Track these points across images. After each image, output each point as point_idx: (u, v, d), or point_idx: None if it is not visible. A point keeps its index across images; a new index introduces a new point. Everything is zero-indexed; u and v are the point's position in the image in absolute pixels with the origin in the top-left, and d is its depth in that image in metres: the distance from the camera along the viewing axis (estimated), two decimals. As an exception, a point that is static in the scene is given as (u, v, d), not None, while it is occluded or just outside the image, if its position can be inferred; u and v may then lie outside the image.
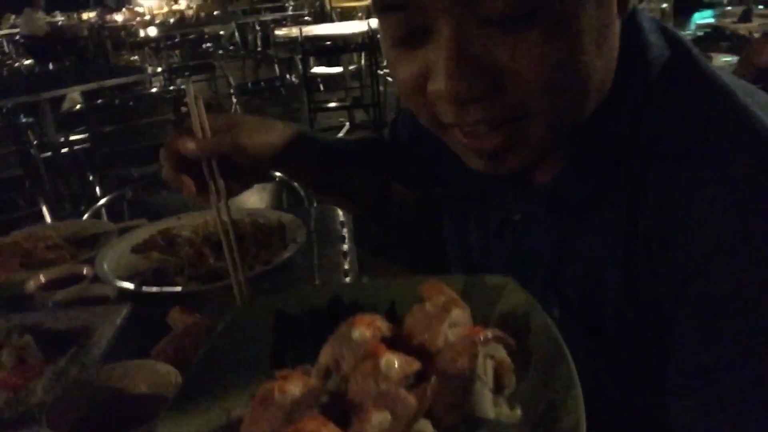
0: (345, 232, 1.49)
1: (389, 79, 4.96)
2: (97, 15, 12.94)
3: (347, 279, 1.30)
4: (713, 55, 3.23)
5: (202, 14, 11.99)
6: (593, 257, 0.60)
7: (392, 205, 1.00)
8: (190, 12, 12.59)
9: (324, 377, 0.46)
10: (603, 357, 0.60)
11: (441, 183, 0.84)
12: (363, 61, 6.16)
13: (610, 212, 0.58)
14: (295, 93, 6.75)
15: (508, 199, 0.71)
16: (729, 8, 4.97)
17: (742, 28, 3.90)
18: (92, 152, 3.70)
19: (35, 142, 3.94)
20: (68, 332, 0.98)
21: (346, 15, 9.64)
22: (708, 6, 5.03)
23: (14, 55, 10.34)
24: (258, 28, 9.96)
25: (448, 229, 0.86)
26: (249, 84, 7.31)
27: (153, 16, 12.69)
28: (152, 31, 10.15)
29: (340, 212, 1.59)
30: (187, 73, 6.34)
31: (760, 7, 4.51)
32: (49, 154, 4.06)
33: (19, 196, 3.70)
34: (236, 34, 9.97)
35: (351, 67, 6.52)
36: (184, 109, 3.89)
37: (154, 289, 1.14)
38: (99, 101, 4.05)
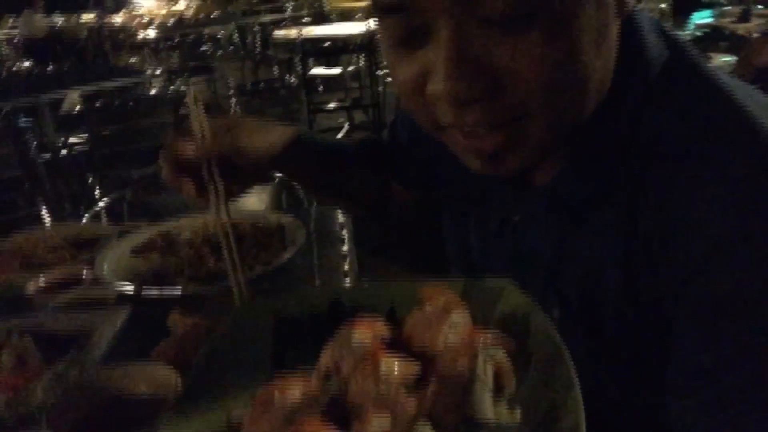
0: (344, 233, 1.50)
1: (388, 79, 4.96)
2: (97, 16, 12.92)
3: (347, 280, 1.30)
4: (712, 55, 3.23)
5: (202, 15, 11.98)
6: (593, 257, 0.60)
7: (392, 205, 1.00)
8: (189, 13, 12.58)
9: (324, 379, 0.46)
10: (603, 357, 0.60)
11: (441, 184, 0.84)
12: (362, 62, 6.16)
13: (610, 212, 0.58)
14: (295, 94, 6.75)
15: (507, 200, 0.71)
16: (728, 8, 4.97)
17: (741, 28, 3.90)
18: (92, 154, 3.70)
19: (35, 144, 3.94)
20: (68, 334, 0.98)
21: (346, 16, 9.64)
22: (707, 6, 5.03)
23: (13, 57, 10.33)
24: (257, 29, 9.96)
25: (448, 230, 0.86)
26: (248, 85, 7.31)
27: (152, 18, 12.67)
28: (151, 33, 10.15)
29: (340, 213, 1.59)
30: (186, 74, 6.34)
31: (759, 7, 4.51)
32: (48, 155, 4.06)
33: (18, 197, 3.70)
34: (235, 35, 9.97)
35: (350, 68, 6.53)
36: (183, 110, 3.89)
37: (154, 290, 1.14)
38: (98, 103, 4.06)
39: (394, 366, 0.42)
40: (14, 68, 8.13)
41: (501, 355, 0.46)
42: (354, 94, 6.44)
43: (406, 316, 0.51)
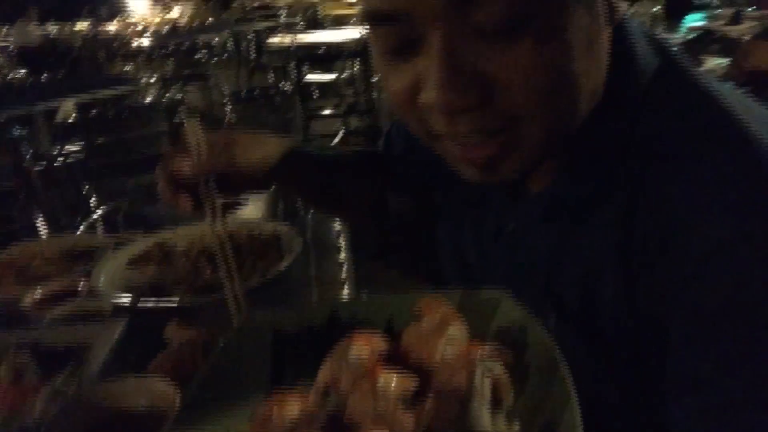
0: (341, 241, 1.50)
1: (383, 85, 4.96)
2: (91, 25, 12.92)
3: (345, 288, 1.30)
4: (705, 58, 3.24)
5: (196, 23, 11.99)
6: (590, 262, 0.60)
7: (389, 214, 1.01)
8: (183, 21, 12.59)
9: (322, 396, 0.46)
10: (601, 362, 0.61)
11: (436, 191, 0.85)
12: (357, 68, 6.16)
13: (606, 216, 0.59)
14: (290, 100, 6.75)
15: (502, 208, 0.71)
16: (719, 11, 5.00)
17: (733, 31, 3.92)
18: (87, 163, 3.69)
19: (29, 154, 3.93)
20: (65, 348, 0.98)
21: (339, 22, 9.64)
22: (699, 9, 5.05)
23: (7, 66, 10.31)
24: (251, 36, 9.96)
25: (443, 237, 0.86)
26: (243, 92, 7.31)
27: (146, 26, 12.67)
28: (145, 41, 10.14)
29: (337, 221, 1.59)
30: (181, 82, 6.34)
31: (750, 9, 4.53)
32: (43, 165, 4.05)
33: (13, 208, 3.68)
34: (230, 42, 9.97)
35: (345, 74, 6.53)
36: (178, 118, 3.89)
37: (151, 302, 1.14)
38: (93, 112, 4.05)
39: (391, 381, 0.43)
40: (8, 78, 8.12)
41: (498, 369, 0.46)
42: (349, 100, 6.44)
43: (403, 330, 0.51)
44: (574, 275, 0.62)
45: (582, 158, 0.61)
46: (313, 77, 6.58)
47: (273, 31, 9.37)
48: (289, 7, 11.93)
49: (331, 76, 6.55)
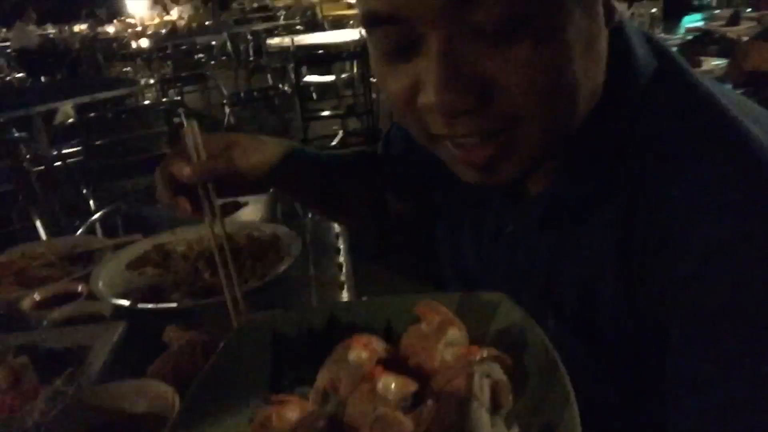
0: (341, 243, 1.49)
1: (382, 87, 4.96)
2: (89, 27, 12.92)
3: (344, 290, 1.30)
4: (704, 58, 3.24)
5: (194, 25, 11.98)
6: (588, 265, 0.60)
7: (389, 216, 1.00)
8: (182, 23, 12.58)
9: (322, 400, 0.46)
10: (601, 363, 0.61)
11: (435, 193, 0.85)
12: (356, 69, 6.17)
13: (605, 217, 0.59)
14: (288, 102, 6.76)
15: (501, 210, 0.71)
16: (718, 11, 5.00)
17: (731, 32, 3.92)
18: (86, 165, 3.69)
19: (28, 157, 3.93)
20: (64, 350, 0.98)
21: (338, 23, 9.65)
22: (697, 9, 5.06)
23: (6, 69, 10.31)
24: (250, 37, 9.96)
25: (442, 240, 0.86)
26: (242, 94, 7.31)
27: (145, 28, 12.66)
28: (144, 43, 10.13)
29: (335, 223, 1.58)
30: (179, 84, 6.34)
31: (748, 10, 4.53)
32: (42, 167, 4.05)
33: (12, 210, 3.68)
34: (228, 44, 9.97)
35: (343, 76, 6.53)
36: (177, 119, 3.89)
37: (150, 305, 1.14)
38: (92, 114, 4.05)
39: (390, 385, 0.43)
40: (7, 79, 8.12)
41: (497, 372, 0.46)
42: (348, 102, 6.44)
43: (402, 333, 0.51)
44: (574, 276, 0.62)
45: (581, 159, 0.61)
46: (311, 78, 6.59)
47: (272, 32, 9.39)
48: (288, 8, 11.94)
49: (330, 78, 6.56)
